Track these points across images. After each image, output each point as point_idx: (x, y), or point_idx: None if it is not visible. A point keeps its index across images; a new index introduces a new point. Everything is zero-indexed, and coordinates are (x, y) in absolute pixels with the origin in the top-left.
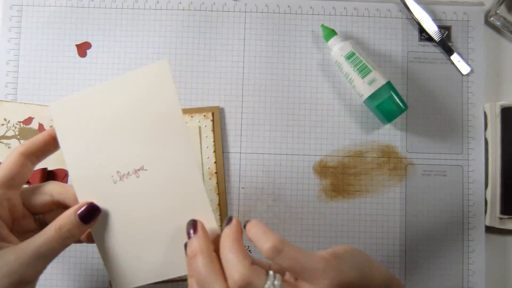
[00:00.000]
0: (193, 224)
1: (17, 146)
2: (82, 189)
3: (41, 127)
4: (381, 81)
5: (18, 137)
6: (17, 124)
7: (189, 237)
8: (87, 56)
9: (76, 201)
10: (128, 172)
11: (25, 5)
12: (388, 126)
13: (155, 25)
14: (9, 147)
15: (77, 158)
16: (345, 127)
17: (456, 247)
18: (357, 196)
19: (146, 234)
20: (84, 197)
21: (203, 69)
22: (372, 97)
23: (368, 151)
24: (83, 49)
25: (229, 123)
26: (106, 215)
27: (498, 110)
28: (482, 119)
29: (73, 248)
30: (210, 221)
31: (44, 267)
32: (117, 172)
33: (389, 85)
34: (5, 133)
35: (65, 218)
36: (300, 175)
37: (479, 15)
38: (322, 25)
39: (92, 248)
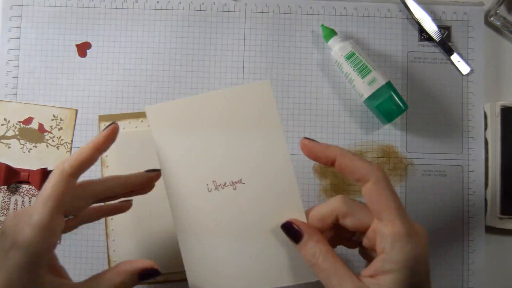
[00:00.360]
0: (293, 229)
1: (62, 165)
2: (175, 194)
3: (41, 127)
4: (381, 81)
5: (18, 137)
6: (17, 124)
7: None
8: (87, 56)
9: (123, 187)
10: (225, 183)
11: (25, 5)
12: (388, 126)
13: (155, 25)
14: (9, 147)
15: (172, 162)
16: (345, 127)
17: (456, 247)
18: (357, 196)
19: (235, 243)
20: (176, 203)
21: (203, 69)
22: (372, 97)
23: (368, 151)
24: (83, 49)
25: None
26: (194, 222)
27: (498, 110)
28: (482, 119)
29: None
30: None
31: None
32: (213, 181)
33: (389, 85)
34: (5, 133)
35: (127, 276)
36: (300, 175)
37: (479, 15)
38: (322, 25)
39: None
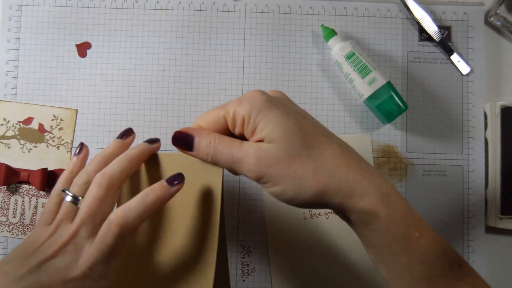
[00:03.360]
0: (183, 135)
1: (116, 219)
2: (273, 220)
3: (41, 127)
4: (381, 81)
5: (18, 137)
6: (17, 124)
7: None
8: (87, 56)
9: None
10: (319, 213)
11: (25, 5)
12: (388, 126)
13: (155, 25)
14: (8, 147)
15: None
16: (345, 127)
17: (456, 247)
18: None
19: (322, 264)
20: (273, 228)
21: (203, 69)
22: (372, 97)
23: None
24: (83, 49)
25: None
26: (289, 245)
27: (498, 110)
28: (482, 119)
29: None
30: None
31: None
32: (310, 210)
33: (389, 85)
34: (4, 133)
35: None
36: None
37: (479, 15)
38: (322, 25)
39: None
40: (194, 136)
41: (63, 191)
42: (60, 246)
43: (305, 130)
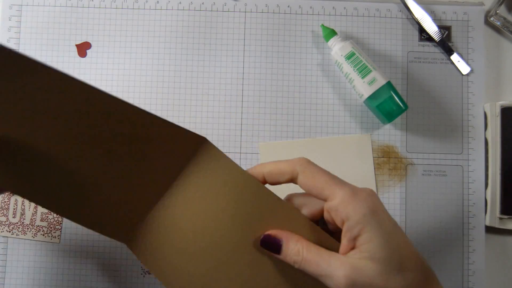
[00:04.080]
0: (271, 240)
1: None
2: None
3: None
4: (381, 81)
5: None
6: None
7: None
8: (87, 56)
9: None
10: None
11: (25, 5)
12: (388, 126)
13: (155, 25)
14: None
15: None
16: (345, 127)
17: (456, 247)
18: None
19: None
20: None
21: (203, 69)
22: (372, 97)
23: None
24: (83, 49)
25: (229, 123)
26: None
27: (498, 110)
28: (482, 119)
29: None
30: None
31: None
32: None
33: (389, 85)
34: None
35: None
36: None
37: (479, 15)
38: (322, 25)
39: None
40: (282, 242)
41: None
42: None
43: (402, 250)
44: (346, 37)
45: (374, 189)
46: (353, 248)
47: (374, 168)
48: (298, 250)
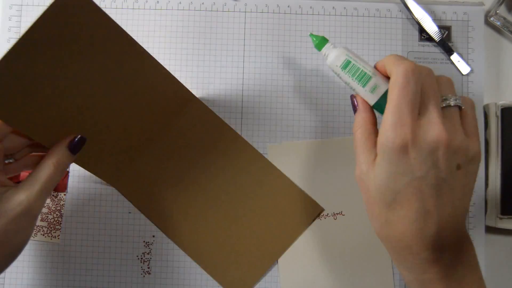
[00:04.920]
0: (353, 102)
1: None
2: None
3: None
4: (383, 87)
5: None
6: None
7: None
8: None
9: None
10: (328, 214)
11: (25, 5)
12: None
13: (155, 25)
14: None
15: None
16: (345, 127)
17: None
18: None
19: (331, 265)
20: None
21: (203, 69)
22: (378, 104)
23: None
24: None
25: (229, 123)
26: (296, 247)
27: (498, 110)
28: (482, 119)
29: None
30: (388, 270)
31: (46, 199)
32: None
33: None
34: None
35: (59, 153)
36: None
37: (479, 15)
38: (311, 34)
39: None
40: (356, 109)
41: None
42: None
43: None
44: (338, 43)
45: None
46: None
47: None
48: (356, 124)
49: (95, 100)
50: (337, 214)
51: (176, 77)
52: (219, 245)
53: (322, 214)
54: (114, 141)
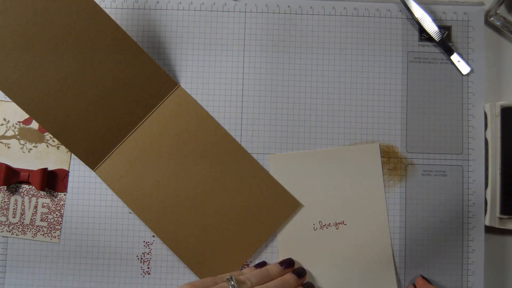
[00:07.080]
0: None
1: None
2: (283, 231)
3: (41, 127)
4: None
5: (18, 137)
6: (16, 124)
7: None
8: None
9: None
10: (329, 224)
11: None
12: (388, 126)
13: (155, 25)
14: (8, 147)
15: None
16: (345, 127)
17: (456, 247)
18: None
19: (333, 273)
20: (283, 238)
21: (202, 69)
22: None
23: None
24: None
25: (229, 123)
26: (299, 254)
27: (498, 110)
28: (482, 119)
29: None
30: (391, 279)
31: None
32: (320, 222)
33: None
34: (4, 133)
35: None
36: None
37: (479, 15)
38: None
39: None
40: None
41: (230, 278)
42: None
43: None
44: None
45: (383, 197)
46: None
47: (383, 176)
48: None
49: (78, 78)
50: (339, 223)
51: (176, 77)
52: (196, 236)
53: (324, 224)
54: (99, 122)
